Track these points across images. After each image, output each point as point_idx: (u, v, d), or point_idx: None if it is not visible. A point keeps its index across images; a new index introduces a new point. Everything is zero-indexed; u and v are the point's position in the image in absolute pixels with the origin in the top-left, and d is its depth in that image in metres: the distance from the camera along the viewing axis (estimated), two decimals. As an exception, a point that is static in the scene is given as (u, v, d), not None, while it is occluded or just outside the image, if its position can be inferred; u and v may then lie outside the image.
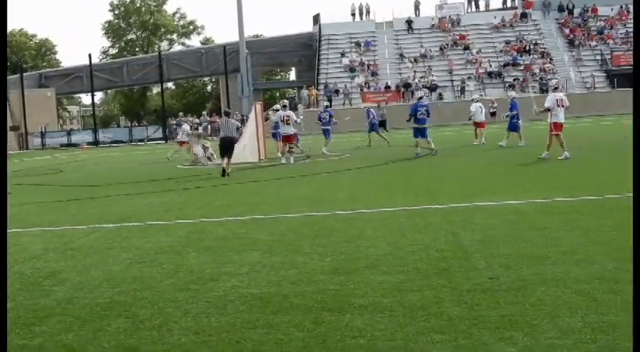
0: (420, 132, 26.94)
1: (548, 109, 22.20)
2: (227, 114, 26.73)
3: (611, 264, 8.11)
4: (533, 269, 8.09)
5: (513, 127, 29.05)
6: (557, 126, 22.05)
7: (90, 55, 73.55)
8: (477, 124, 31.72)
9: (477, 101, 32.35)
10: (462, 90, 65.01)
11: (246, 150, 28.90)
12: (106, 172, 29.73)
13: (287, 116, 28.32)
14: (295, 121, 28.93)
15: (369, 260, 9.08)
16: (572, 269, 7.99)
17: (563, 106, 22.38)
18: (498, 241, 9.72)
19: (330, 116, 33.34)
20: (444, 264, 8.59)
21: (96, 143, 65.74)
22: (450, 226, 11.20)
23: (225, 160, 23.86)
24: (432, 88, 65.02)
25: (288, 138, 28.02)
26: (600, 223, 10.67)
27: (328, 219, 12.81)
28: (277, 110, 30.69)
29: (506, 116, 29.32)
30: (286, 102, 30.71)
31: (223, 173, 23.26)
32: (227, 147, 24.19)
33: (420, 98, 28.76)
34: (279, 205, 15.14)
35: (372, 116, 35.95)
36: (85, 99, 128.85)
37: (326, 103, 41.49)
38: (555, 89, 24.24)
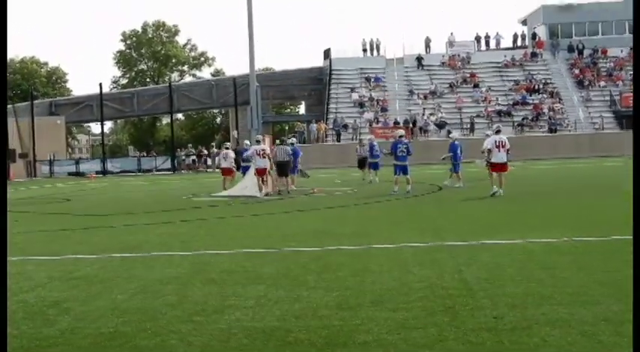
0: (400, 169, 27.07)
1: (489, 150, 24.42)
2: (282, 142, 31.24)
3: (616, 305, 8.07)
4: (538, 309, 8.05)
5: (455, 168, 29.25)
6: (494, 165, 24.40)
7: (100, 85, 73.95)
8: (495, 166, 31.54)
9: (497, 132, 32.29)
10: (472, 128, 65.03)
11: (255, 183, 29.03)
12: (112, 202, 29.75)
13: (263, 150, 28.85)
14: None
15: (374, 295, 9.06)
16: (578, 310, 7.94)
17: (503, 147, 24.33)
18: (504, 280, 9.68)
19: (378, 149, 34.83)
20: (449, 301, 8.55)
21: (104, 172, 65.84)
22: (455, 263, 11.17)
23: (283, 180, 29.39)
24: (441, 125, 65.12)
25: (261, 172, 28.56)
26: (607, 264, 10.64)
27: (334, 253, 12.79)
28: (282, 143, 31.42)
29: (443, 158, 29.48)
30: (260, 137, 30.97)
31: (279, 192, 28.78)
32: (283, 169, 29.23)
33: (401, 136, 28.83)
34: (285, 238, 15.10)
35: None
36: (95, 128, 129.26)
37: (370, 136, 41.55)
38: (497, 132, 25.71)
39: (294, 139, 34.33)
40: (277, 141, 32.60)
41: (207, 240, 15.57)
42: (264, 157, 28.48)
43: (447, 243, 13.39)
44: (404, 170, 27.07)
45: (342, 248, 13.35)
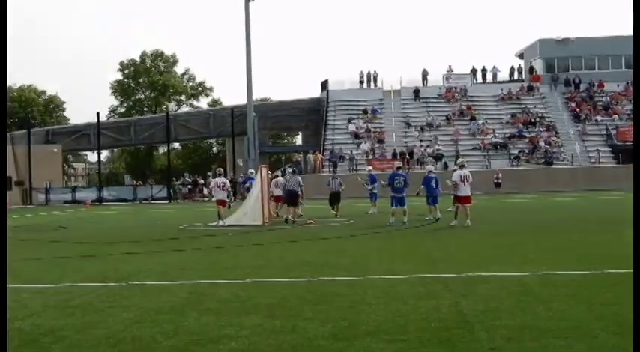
0: (397, 201, 27.35)
1: (456, 185, 25.87)
2: (294, 172, 32.07)
3: (614, 338, 8.07)
4: (535, 342, 8.05)
5: (430, 201, 28.89)
6: (459, 198, 25.88)
7: (98, 113, 73.89)
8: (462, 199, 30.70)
9: (461, 166, 32.09)
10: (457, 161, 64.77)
11: (252, 212, 29.19)
12: (109, 230, 29.70)
13: (223, 183, 30.14)
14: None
15: (369, 326, 9.05)
16: (575, 343, 7.94)
17: (467, 181, 25.94)
18: (501, 312, 9.68)
19: (374, 180, 34.86)
20: (446, 333, 8.54)
21: (100, 201, 65.73)
22: (452, 295, 11.17)
23: (291, 209, 29.59)
24: (438, 158, 65.11)
25: (221, 203, 29.70)
26: (603, 297, 10.64)
27: (330, 284, 12.77)
28: (282, 172, 32.02)
29: (417, 193, 29.14)
30: (221, 170, 31.81)
31: (286, 221, 28.84)
32: (292, 199, 29.73)
33: (399, 168, 29.30)
34: (281, 269, 15.11)
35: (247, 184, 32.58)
36: (91, 156, 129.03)
37: (369, 168, 41.45)
38: (461, 167, 27.04)
39: (290, 170, 34.33)
40: (288, 170, 32.74)
41: (204, 269, 15.56)
42: (223, 190, 29.76)
43: (443, 275, 13.37)
44: (400, 202, 27.21)
45: (338, 279, 13.33)
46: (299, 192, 30.00)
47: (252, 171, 34.69)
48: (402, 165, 31.74)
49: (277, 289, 12.34)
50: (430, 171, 29.73)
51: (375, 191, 34.61)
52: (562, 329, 8.63)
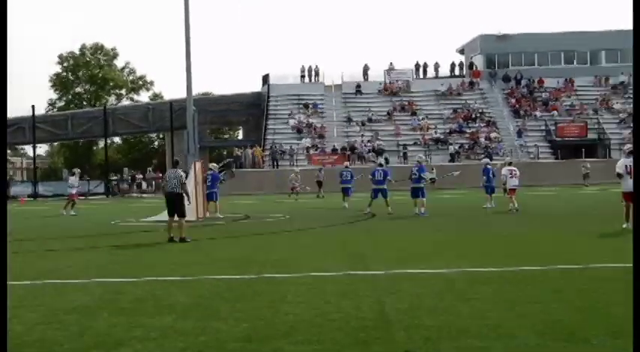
0: (379, 193, 29.54)
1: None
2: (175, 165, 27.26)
3: (533, 338, 7.82)
4: (453, 342, 7.78)
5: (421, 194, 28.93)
6: (511, 190, 30.24)
7: (33, 107, 72.73)
8: (511, 190, 30.51)
9: (509, 163, 32.47)
10: (405, 156, 65.08)
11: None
12: (35, 226, 29.05)
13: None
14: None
15: (286, 327, 8.70)
16: (494, 343, 7.68)
17: (515, 176, 30.49)
18: (422, 311, 9.39)
19: (352, 175, 36.59)
20: (363, 334, 8.21)
21: (35, 196, 64.60)
22: (376, 293, 10.88)
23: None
24: (379, 152, 65.11)
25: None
26: (528, 295, 10.38)
27: (253, 281, 12.39)
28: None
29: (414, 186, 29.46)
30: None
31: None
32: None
33: (380, 165, 31.37)
34: (206, 266, 14.67)
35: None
36: (31, 150, 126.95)
37: (346, 163, 42.29)
38: (510, 164, 31.95)
39: (215, 165, 34.13)
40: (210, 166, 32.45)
41: (126, 266, 15.05)
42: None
43: (371, 272, 13.06)
44: (383, 193, 29.51)
45: (262, 276, 12.95)
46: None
47: (215, 164, 34.60)
48: (384, 162, 33.86)
49: (197, 287, 11.92)
50: (418, 162, 29.93)
51: (350, 186, 36.03)
52: (482, 328, 8.35)
